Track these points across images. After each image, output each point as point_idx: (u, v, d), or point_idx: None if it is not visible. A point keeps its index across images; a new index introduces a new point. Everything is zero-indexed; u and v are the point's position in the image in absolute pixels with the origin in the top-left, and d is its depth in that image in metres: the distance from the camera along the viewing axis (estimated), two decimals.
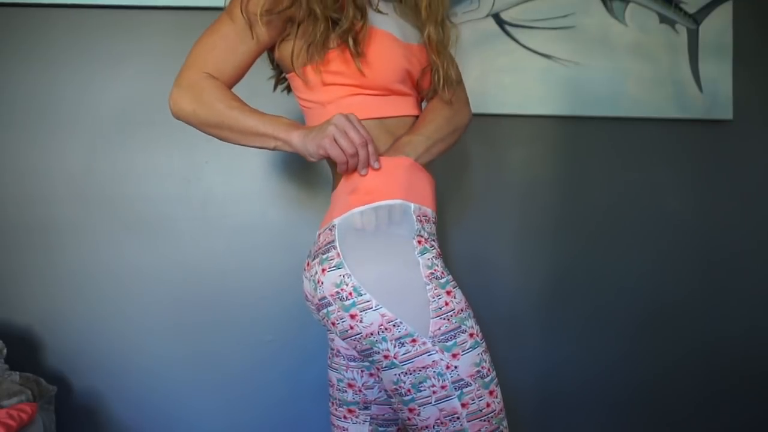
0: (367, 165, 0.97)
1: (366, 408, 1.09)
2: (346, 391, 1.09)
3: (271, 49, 1.12)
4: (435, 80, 1.07)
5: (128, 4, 1.52)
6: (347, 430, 1.11)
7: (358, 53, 0.97)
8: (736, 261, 1.73)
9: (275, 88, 1.20)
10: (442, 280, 0.96)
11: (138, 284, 1.56)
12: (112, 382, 1.55)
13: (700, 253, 1.72)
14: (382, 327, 0.93)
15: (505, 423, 0.97)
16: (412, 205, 0.99)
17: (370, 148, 0.95)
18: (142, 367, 1.56)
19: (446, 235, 1.64)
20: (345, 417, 1.11)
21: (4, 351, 1.37)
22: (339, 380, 1.10)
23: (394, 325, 0.93)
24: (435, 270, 0.96)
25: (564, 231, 1.68)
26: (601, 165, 1.69)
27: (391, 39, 1.01)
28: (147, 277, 1.56)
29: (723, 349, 1.73)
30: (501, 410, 0.96)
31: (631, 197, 1.69)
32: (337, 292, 0.95)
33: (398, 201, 0.98)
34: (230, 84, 1.00)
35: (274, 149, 0.98)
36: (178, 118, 1.00)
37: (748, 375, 1.73)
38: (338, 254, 0.96)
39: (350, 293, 0.94)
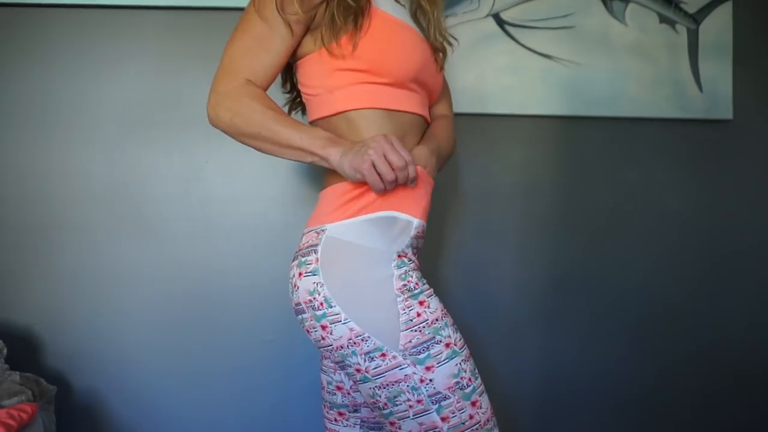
0: (412, 181, 0.94)
1: (355, 411, 1.09)
2: (335, 394, 1.09)
3: (286, 68, 1.12)
4: (431, 34, 1.04)
5: (128, 4, 1.52)
6: None
7: (367, 37, 0.95)
8: (737, 260, 1.73)
9: (290, 111, 1.19)
10: (416, 291, 0.93)
11: (138, 284, 1.56)
12: (112, 382, 1.55)
13: (701, 252, 1.72)
14: (351, 341, 0.92)
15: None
16: (415, 221, 0.98)
17: (411, 170, 0.92)
18: (142, 367, 1.56)
19: (446, 235, 1.64)
20: (336, 420, 1.10)
21: (4, 351, 1.37)
22: (328, 383, 1.10)
23: (362, 340, 0.91)
24: (408, 281, 0.94)
25: (564, 231, 1.68)
26: (601, 165, 1.69)
27: (409, 30, 1.01)
28: (147, 277, 1.56)
29: (725, 348, 1.72)
30: (488, 420, 0.93)
31: (631, 197, 1.69)
32: (310, 300, 0.94)
33: (405, 216, 0.97)
34: (267, 84, 0.98)
35: (311, 163, 0.95)
36: (215, 126, 0.97)
37: (751, 374, 1.73)
38: (317, 260, 0.94)
39: (321, 303, 0.93)
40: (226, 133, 0.97)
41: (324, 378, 1.11)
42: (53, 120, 1.54)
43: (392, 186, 0.92)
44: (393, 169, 0.89)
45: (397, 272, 0.94)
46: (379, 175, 0.90)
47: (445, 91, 1.21)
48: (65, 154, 1.54)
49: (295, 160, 0.96)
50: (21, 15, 1.52)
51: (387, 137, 0.90)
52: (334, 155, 0.92)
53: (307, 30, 0.99)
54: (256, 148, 0.97)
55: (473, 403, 0.91)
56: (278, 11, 0.94)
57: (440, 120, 1.16)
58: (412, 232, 0.98)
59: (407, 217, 0.98)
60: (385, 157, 0.89)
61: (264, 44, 0.96)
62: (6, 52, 1.52)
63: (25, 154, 1.53)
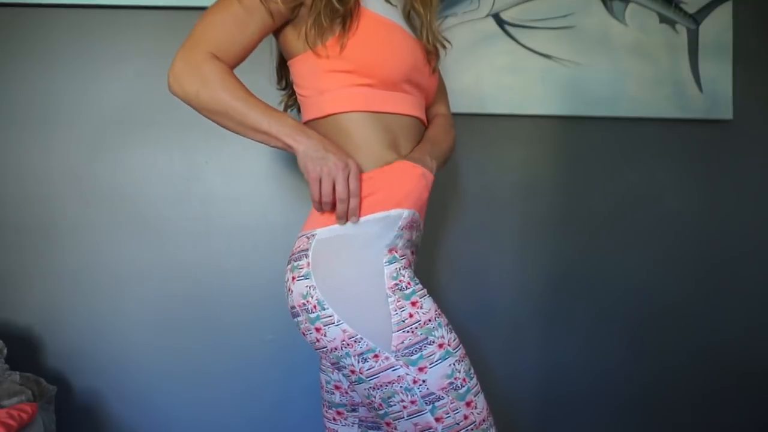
0: (345, 218, 0.95)
1: (354, 410, 1.09)
2: (333, 393, 1.10)
3: (281, 64, 1.13)
4: (424, 36, 1.04)
5: (128, 4, 1.52)
6: (337, 431, 1.11)
7: (355, 38, 0.95)
8: (737, 260, 1.73)
9: (285, 109, 1.19)
10: (407, 291, 0.93)
11: (138, 284, 1.56)
12: (112, 382, 1.55)
13: (701, 252, 1.72)
14: (344, 342, 0.92)
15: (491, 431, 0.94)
16: (405, 212, 0.97)
17: (352, 204, 0.93)
18: (142, 367, 1.56)
19: (446, 235, 1.64)
20: (334, 419, 1.11)
21: (5, 351, 1.37)
22: (327, 382, 1.10)
23: (355, 341, 0.91)
24: (399, 281, 0.93)
25: (564, 231, 1.68)
26: (601, 165, 1.69)
27: (399, 30, 1.00)
28: (147, 277, 1.56)
29: (725, 348, 1.73)
30: (483, 420, 0.92)
31: (631, 197, 1.69)
32: (304, 304, 0.94)
33: (393, 210, 0.97)
34: (233, 64, 0.97)
35: (274, 147, 0.96)
36: (176, 95, 0.95)
37: (751, 374, 1.73)
38: (308, 264, 0.95)
39: (315, 306, 0.93)
40: (187, 104, 0.95)
41: (323, 377, 1.11)
42: (53, 120, 1.54)
43: (327, 207, 0.94)
44: (331, 196, 0.92)
45: (387, 270, 0.93)
46: (319, 192, 0.93)
47: (441, 91, 1.21)
48: (65, 154, 1.54)
49: (259, 142, 0.96)
50: (21, 15, 1.52)
51: (347, 166, 0.92)
52: (299, 145, 0.92)
53: (288, 22, 0.99)
54: (219, 124, 0.96)
55: (468, 404, 0.91)
56: (260, 0, 0.94)
57: (437, 119, 1.16)
58: (400, 223, 0.97)
59: (396, 211, 0.97)
60: (333, 181, 0.91)
61: (238, 23, 0.95)
62: (6, 52, 1.52)
63: (25, 154, 1.53)
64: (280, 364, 1.59)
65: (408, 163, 1.00)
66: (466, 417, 0.91)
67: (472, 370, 0.94)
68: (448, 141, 1.15)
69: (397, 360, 0.90)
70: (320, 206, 0.95)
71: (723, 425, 1.73)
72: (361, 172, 0.96)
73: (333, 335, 0.92)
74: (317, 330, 0.94)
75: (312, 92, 1.01)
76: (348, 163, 0.92)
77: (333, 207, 0.94)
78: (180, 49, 0.94)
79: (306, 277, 0.94)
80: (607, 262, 1.69)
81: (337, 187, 0.92)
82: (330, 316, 0.92)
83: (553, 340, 1.68)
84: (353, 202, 0.93)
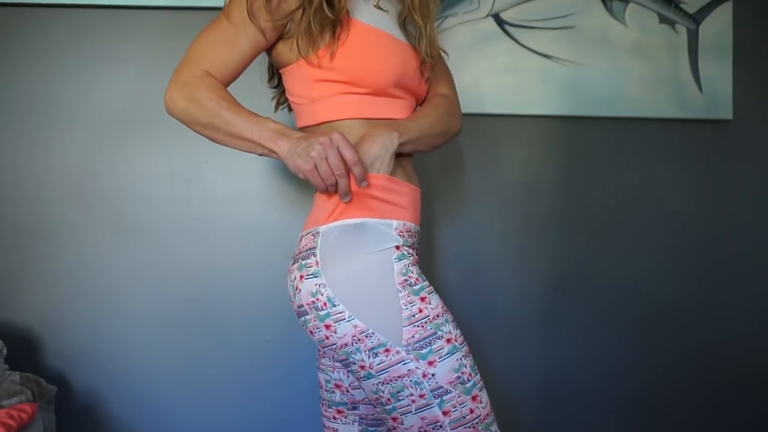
0: (349, 193, 0.93)
1: (354, 408, 1.09)
2: (334, 392, 1.10)
3: (272, 66, 1.14)
4: (422, 47, 1.03)
5: (128, 4, 1.52)
6: (337, 430, 1.11)
7: (344, 47, 0.96)
8: (737, 260, 1.73)
9: (276, 108, 1.19)
10: (416, 287, 0.94)
11: (138, 284, 1.56)
12: (112, 382, 1.55)
13: (701, 252, 1.72)
14: (355, 338, 0.92)
15: (493, 427, 0.94)
16: (395, 222, 0.98)
17: (357, 170, 0.91)
18: (142, 367, 1.56)
19: (446, 235, 1.64)
20: (334, 418, 1.11)
21: (4, 351, 1.37)
22: (327, 381, 1.10)
23: (366, 336, 0.92)
24: (409, 277, 0.94)
25: (564, 231, 1.68)
26: (601, 165, 1.69)
27: (388, 38, 1.00)
28: (147, 277, 1.56)
29: (725, 348, 1.73)
30: (487, 415, 0.94)
31: (631, 197, 1.69)
32: (313, 302, 0.94)
33: (384, 219, 0.97)
34: (227, 81, 0.99)
35: (261, 155, 0.95)
36: (171, 114, 0.97)
37: (751, 374, 1.73)
38: (317, 262, 0.95)
39: (325, 303, 0.93)
40: (180, 121, 0.96)
41: (322, 377, 1.11)
42: (53, 120, 1.54)
43: (333, 189, 0.92)
44: (332, 174, 0.90)
45: (397, 266, 0.94)
46: (320, 178, 0.90)
47: (443, 73, 1.17)
48: (65, 154, 1.54)
49: (247, 152, 0.95)
50: (21, 15, 1.52)
51: (334, 139, 0.89)
52: (281, 149, 0.91)
53: (280, 37, 1.00)
54: (208, 138, 0.97)
55: (474, 398, 0.92)
56: (249, 17, 0.95)
57: (431, 99, 1.12)
58: (394, 233, 0.98)
59: (394, 221, 0.98)
60: (327, 160, 0.89)
61: (230, 42, 0.97)
62: (6, 52, 1.52)
63: (25, 154, 1.53)
64: (281, 364, 1.59)
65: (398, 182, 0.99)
66: (472, 411, 0.92)
67: (476, 367, 0.96)
68: (433, 121, 1.08)
69: (407, 354, 0.91)
70: (327, 190, 0.93)
71: (723, 425, 1.73)
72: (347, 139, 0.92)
73: (344, 331, 0.93)
74: (327, 327, 0.94)
75: (304, 101, 1.02)
76: (332, 138, 0.89)
77: (336, 186, 0.92)
78: (174, 71, 0.97)
79: (315, 275, 0.94)
80: (606, 261, 1.69)
81: (331, 164, 0.89)
82: (341, 313, 0.92)
83: (553, 340, 1.68)
84: (356, 170, 0.91)
